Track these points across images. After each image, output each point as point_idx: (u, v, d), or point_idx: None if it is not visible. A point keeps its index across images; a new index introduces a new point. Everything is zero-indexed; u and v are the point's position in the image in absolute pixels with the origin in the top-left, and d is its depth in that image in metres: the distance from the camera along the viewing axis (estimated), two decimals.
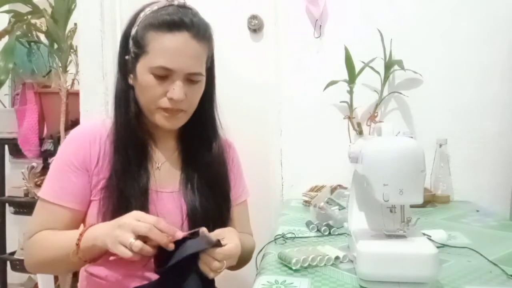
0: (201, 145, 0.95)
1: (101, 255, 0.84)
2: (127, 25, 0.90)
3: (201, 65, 0.88)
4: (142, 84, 0.86)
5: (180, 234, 0.75)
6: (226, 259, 0.79)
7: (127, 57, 0.88)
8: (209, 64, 0.93)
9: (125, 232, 0.72)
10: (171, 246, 0.74)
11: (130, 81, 0.90)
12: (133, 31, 0.87)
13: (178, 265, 0.75)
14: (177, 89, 0.84)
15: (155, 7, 0.87)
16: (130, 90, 0.90)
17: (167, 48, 0.83)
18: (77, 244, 0.79)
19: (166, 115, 0.88)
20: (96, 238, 0.77)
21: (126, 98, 0.90)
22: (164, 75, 0.84)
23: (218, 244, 0.78)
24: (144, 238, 0.73)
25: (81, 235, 0.80)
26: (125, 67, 0.90)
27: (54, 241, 0.84)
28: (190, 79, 0.86)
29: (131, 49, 0.87)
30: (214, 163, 0.95)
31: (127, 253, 0.71)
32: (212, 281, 0.86)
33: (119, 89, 0.92)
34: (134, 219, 0.74)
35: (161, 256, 0.77)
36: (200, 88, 0.91)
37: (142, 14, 0.87)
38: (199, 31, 0.86)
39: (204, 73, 0.89)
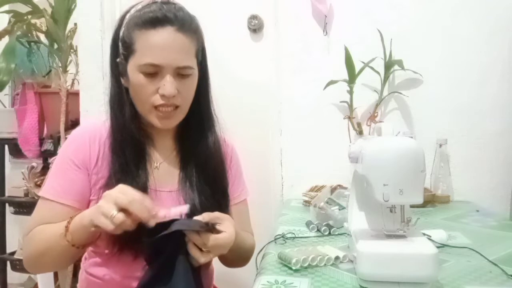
0: (197, 141, 0.95)
1: (90, 241, 0.83)
2: (115, 27, 0.90)
3: (190, 58, 0.87)
4: (133, 84, 0.86)
5: (163, 212, 0.75)
6: (215, 248, 0.78)
7: (118, 59, 0.88)
8: (201, 57, 0.92)
9: (108, 203, 0.72)
10: (152, 222, 0.74)
11: (124, 83, 0.89)
12: (121, 33, 0.87)
13: (166, 256, 0.75)
14: (167, 84, 0.84)
15: (139, 6, 0.87)
16: (124, 93, 0.90)
17: (152, 45, 0.83)
18: (66, 227, 0.79)
19: (161, 115, 0.87)
20: (83, 218, 0.78)
21: (120, 101, 0.90)
22: (153, 72, 0.84)
23: (212, 228, 0.78)
24: (127, 214, 0.72)
25: (71, 218, 0.80)
26: (117, 70, 0.89)
27: (49, 231, 0.84)
28: (180, 74, 0.86)
29: (120, 51, 0.87)
30: (210, 158, 0.95)
31: (109, 225, 0.71)
32: (198, 273, 0.85)
33: (113, 93, 0.92)
34: (119, 192, 0.74)
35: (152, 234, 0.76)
36: (192, 82, 0.90)
37: (128, 15, 0.87)
38: (184, 24, 0.85)
39: (194, 66, 0.88)
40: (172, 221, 0.76)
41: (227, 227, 0.81)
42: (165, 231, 0.74)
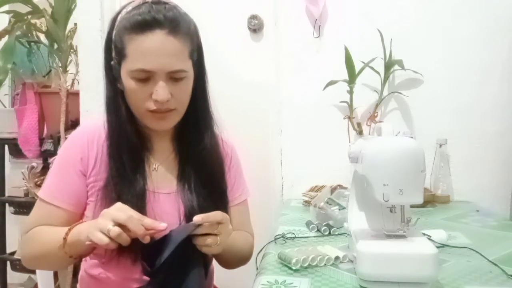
0: (195, 142, 0.94)
1: (87, 253, 0.85)
2: (108, 30, 0.88)
3: (182, 61, 0.84)
4: (127, 89, 0.85)
5: (164, 225, 0.75)
6: (212, 220, 0.77)
7: (112, 62, 0.87)
8: (196, 57, 0.89)
9: (105, 220, 0.72)
10: (147, 239, 0.74)
11: (119, 86, 0.88)
12: (113, 36, 0.85)
13: (170, 259, 0.75)
14: (160, 90, 0.82)
15: (129, 7, 0.84)
16: (119, 96, 0.89)
17: (142, 50, 0.80)
18: (65, 238, 0.79)
19: (156, 117, 0.86)
20: (80, 233, 0.78)
21: (116, 105, 0.89)
22: (145, 78, 0.82)
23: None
24: (124, 229, 0.72)
25: (69, 229, 0.80)
26: (111, 73, 0.88)
27: (47, 236, 0.84)
28: (173, 77, 0.84)
29: (113, 55, 0.86)
30: (208, 159, 0.94)
31: (104, 239, 0.71)
32: (205, 269, 0.86)
33: (108, 96, 0.90)
34: (116, 210, 0.74)
35: (150, 255, 0.77)
36: (186, 85, 0.88)
37: (119, 17, 0.85)
38: (175, 26, 0.81)
39: (188, 68, 0.86)
40: (164, 236, 0.77)
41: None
42: (162, 248, 0.76)
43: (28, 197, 2.02)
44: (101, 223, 0.72)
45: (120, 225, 0.72)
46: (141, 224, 0.73)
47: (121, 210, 0.74)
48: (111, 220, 0.72)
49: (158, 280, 0.79)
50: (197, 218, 0.76)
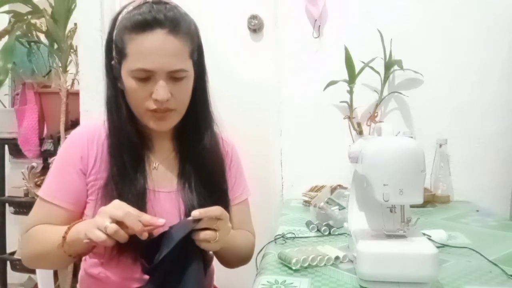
0: (195, 142, 0.94)
1: (86, 251, 0.85)
2: (109, 29, 0.88)
3: (183, 61, 0.84)
4: (127, 89, 0.85)
5: (162, 221, 0.75)
6: (211, 215, 0.78)
7: (112, 62, 0.87)
8: (196, 57, 0.89)
9: (103, 217, 0.72)
10: (145, 235, 0.74)
11: (120, 86, 0.88)
12: (114, 36, 0.86)
13: (170, 256, 0.75)
14: (160, 89, 0.82)
15: (130, 7, 0.85)
16: (119, 95, 0.89)
17: (142, 50, 0.81)
18: (64, 237, 0.79)
19: (156, 117, 0.86)
20: (79, 231, 0.78)
21: (117, 104, 0.89)
22: (145, 77, 0.83)
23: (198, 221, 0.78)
24: (122, 226, 0.72)
25: (68, 228, 0.80)
26: (112, 73, 0.88)
27: (46, 235, 0.84)
28: (173, 77, 0.84)
29: (114, 54, 0.86)
30: (208, 158, 0.94)
31: (101, 236, 0.71)
32: (205, 268, 0.86)
33: (109, 95, 0.91)
34: (113, 207, 0.75)
35: (149, 252, 0.77)
36: (186, 84, 0.88)
37: (120, 17, 0.86)
38: (175, 26, 0.82)
39: (188, 68, 0.86)
40: (163, 233, 0.77)
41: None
42: (161, 245, 0.76)
43: (28, 197, 2.02)
44: (98, 221, 0.73)
45: (118, 222, 0.72)
46: (139, 220, 0.73)
47: (118, 207, 0.74)
48: (108, 217, 0.72)
49: (157, 278, 0.79)
50: (195, 213, 0.76)
